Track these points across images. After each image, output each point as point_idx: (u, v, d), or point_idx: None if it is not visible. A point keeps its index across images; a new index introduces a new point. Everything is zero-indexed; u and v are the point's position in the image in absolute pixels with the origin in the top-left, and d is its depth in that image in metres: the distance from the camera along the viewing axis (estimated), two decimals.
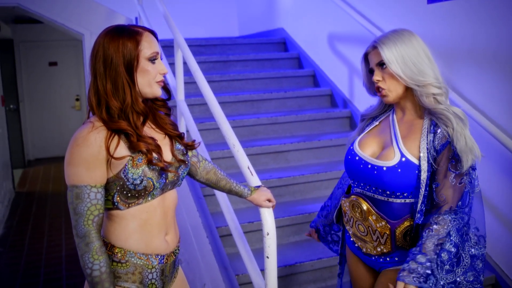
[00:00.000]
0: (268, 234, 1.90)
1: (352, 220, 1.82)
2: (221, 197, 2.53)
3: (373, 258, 1.79)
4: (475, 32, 2.85)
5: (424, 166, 1.64)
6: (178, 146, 1.61)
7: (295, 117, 3.97)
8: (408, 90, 1.70)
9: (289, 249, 2.97)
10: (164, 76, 1.54)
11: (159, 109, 1.61)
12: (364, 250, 1.81)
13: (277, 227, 2.99)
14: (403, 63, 1.65)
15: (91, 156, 1.36)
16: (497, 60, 2.72)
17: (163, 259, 1.54)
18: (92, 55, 1.45)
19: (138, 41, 1.43)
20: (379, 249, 1.75)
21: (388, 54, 1.66)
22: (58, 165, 8.47)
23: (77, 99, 9.22)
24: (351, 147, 1.83)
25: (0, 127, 6.02)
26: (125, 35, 1.43)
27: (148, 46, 1.45)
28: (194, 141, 1.71)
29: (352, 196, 1.80)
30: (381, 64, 1.70)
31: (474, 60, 2.87)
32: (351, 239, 1.88)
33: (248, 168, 2.08)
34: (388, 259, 1.75)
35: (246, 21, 6.18)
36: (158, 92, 1.50)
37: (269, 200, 1.89)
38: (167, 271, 1.56)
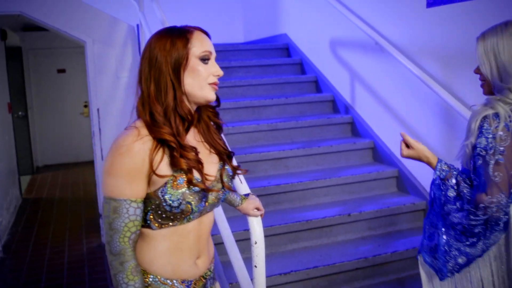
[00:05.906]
0: (256, 243, 1.88)
1: None
2: None
3: None
4: (474, 35, 2.81)
5: None
6: (228, 169, 1.49)
7: (296, 123, 3.94)
8: None
9: (285, 257, 2.93)
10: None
11: (212, 120, 1.48)
12: None
13: (274, 235, 2.97)
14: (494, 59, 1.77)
15: (134, 168, 1.25)
16: None
17: (190, 284, 1.41)
18: (141, 58, 1.37)
19: (188, 39, 1.33)
20: None
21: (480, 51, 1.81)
22: (66, 172, 8.53)
23: (86, 106, 9.26)
24: None
25: (6, 134, 6.05)
26: (175, 34, 1.34)
27: (199, 45, 1.34)
28: (239, 166, 1.57)
29: None
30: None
31: (473, 63, 2.82)
32: None
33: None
34: None
35: (251, 27, 6.18)
36: (210, 95, 1.37)
37: (257, 209, 1.85)
38: None
